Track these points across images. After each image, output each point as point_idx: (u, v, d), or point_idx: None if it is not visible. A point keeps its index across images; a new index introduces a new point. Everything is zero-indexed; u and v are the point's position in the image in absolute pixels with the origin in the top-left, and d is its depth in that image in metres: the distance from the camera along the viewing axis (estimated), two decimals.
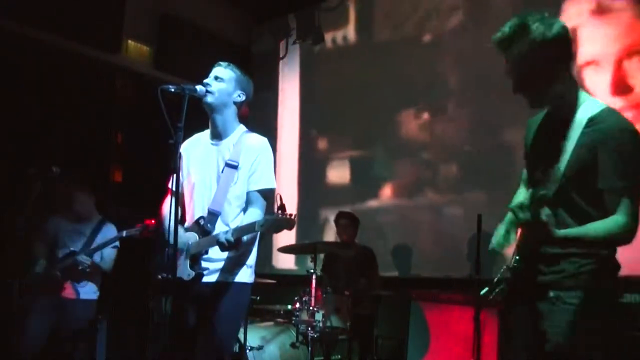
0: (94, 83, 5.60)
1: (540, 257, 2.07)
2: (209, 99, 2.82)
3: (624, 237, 1.96)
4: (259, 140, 2.90)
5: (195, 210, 2.87)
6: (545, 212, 1.91)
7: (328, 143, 6.18)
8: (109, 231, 4.42)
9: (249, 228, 2.60)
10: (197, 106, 2.86)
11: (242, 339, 4.11)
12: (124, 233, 4.20)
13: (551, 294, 2.01)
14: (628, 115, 2.25)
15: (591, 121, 1.99)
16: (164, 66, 6.06)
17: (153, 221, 3.98)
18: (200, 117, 2.92)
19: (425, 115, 5.46)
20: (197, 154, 2.96)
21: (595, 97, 2.16)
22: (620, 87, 4.27)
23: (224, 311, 2.74)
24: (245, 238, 2.69)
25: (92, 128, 5.52)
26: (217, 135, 2.93)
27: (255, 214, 2.78)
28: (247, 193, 2.82)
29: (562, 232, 1.97)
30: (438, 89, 5.46)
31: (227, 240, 2.59)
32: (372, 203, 5.64)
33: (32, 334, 4.01)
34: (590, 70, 4.38)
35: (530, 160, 2.25)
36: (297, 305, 4.34)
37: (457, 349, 4.09)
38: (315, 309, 4.22)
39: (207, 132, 2.99)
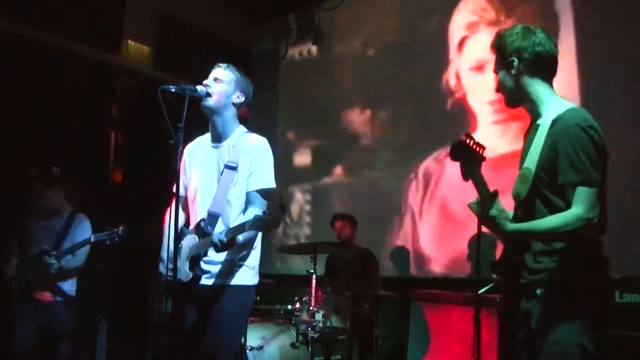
0: (94, 83, 5.60)
1: (526, 254, 2.15)
2: (209, 102, 2.81)
3: (581, 227, 1.99)
4: (258, 141, 2.89)
5: (197, 213, 2.87)
6: (497, 207, 2.04)
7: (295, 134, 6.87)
8: (82, 224, 4.24)
9: (239, 228, 2.58)
10: (198, 106, 2.85)
11: (242, 339, 4.11)
12: (92, 238, 3.97)
13: (537, 291, 2.10)
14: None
15: (554, 122, 2.12)
16: (164, 66, 6.06)
17: (122, 227, 3.85)
18: (200, 117, 2.92)
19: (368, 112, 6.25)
20: (198, 157, 2.96)
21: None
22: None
23: (227, 313, 2.73)
24: (241, 238, 2.67)
25: (92, 128, 5.52)
26: (217, 138, 2.92)
27: (253, 214, 2.76)
28: (247, 193, 2.81)
29: (513, 225, 2.09)
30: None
31: (220, 241, 2.59)
32: (326, 180, 6.48)
33: (19, 339, 3.91)
34: (477, 72, 5.37)
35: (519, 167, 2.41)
36: (297, 305, 4.34)
37: (457, 349, 4.08)
38: (315, 309, 4.22)
39: (208, 135, 2.99)
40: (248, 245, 2.84)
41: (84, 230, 4.20)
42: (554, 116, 2.13)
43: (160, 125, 2.96)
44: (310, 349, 4.23)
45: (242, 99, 2.92)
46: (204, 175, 2.90)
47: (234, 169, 2.81)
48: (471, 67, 5.42)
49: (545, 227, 2.05)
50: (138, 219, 4.32)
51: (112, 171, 5.77)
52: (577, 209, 2.00)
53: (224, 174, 2.82)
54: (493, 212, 2.04)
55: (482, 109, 5.27)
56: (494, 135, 5.07)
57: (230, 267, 2.79)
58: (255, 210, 2.77)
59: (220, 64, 2.93)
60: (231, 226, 2.72)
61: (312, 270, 4.36)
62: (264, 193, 2.82)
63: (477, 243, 3.87)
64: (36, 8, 4.99)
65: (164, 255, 2.82)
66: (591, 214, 1.99)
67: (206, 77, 2.91)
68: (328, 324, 4.27)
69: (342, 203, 6.07)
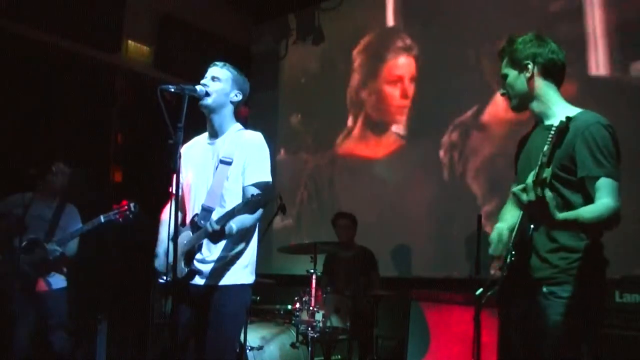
0: (94, 83, 5.59)
1: (531, 254, 2.17)
2: (207, 101, 2.81)
3: (612, 219, 2.03)
4: (253, 135, 2.88)
5: (192, 210, 2.86)
6: (548, 194, 1.96)
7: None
8: (71, 213, 4.21)
9: (229, 213, 2.58)
10: (197, 106, 2.85)
11: (242, 339, 4.11)
12: (102, 218, 3.86)
13: (544, 289, 2.12)
14: None
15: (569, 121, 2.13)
16: (164, 66, 6.06)
17: (124, 203, 3.78)
18: (199, 117, 2.92)
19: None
20: (194, 155, 2.95)
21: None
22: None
23: (225, 316, 2.72)
24: (234, 227, 2.65)
25: (92, 128, 5.52)
26: (213, 135, 2.92)
27: (248, 216, 2.74)
28: (243, 188, 2.80)
29: (562, 214, 2.02)
30: None
31: (213, 228, 2.57)
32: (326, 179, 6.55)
33: (18, 335, 3.90)
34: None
35: (517, 171, 2.41)
36: (297, 305, 4.34)
37: (457, 349, 4.08)
38: (315, 309, 4.22)
39: (205, 134, 2.99)
40: (245, 239, 2.82)
41: (73, 219, 4.18)
42: (567, 115, 2.13)
43: (160, 125, 2.96)
44: (310, 349, 4.22)
45: (239, 97, 2.92)
46: (199, 172, 2.89)
47: (229, 163, 2.79)
48: None
49: (590, 215, 2.03)
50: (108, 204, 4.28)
51: (112, 171, 5.77)
52: (606, 200, 2.03)
53: (219, 169, 2.81)
54: (549, 195, 1.95)
55: None
56: None
57: (224, 266, 2.78)
58: (249, 216, 2.75)
59: (217, 63, 2.93)
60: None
61: (312, 270, 4.35)
62: (260, 187, 2.79)
63: (477, 243, 3.90)
64: (36, 8, 4.99)
65: (159, 250, 2.84)
66: (619, 204, 2.03)
67: (204, 77, 2.91)
68: (328, 324, 4.26)
69: (342, 202, 6.07)
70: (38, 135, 5.02)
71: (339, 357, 4.69)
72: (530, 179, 1.94)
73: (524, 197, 1.94)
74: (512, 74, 2.32)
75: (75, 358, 4.19)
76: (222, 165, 2.80)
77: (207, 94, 2.80)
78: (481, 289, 2.31)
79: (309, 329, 4.20)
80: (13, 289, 3.86)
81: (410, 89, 5.87)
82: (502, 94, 2.39)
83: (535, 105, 2.31)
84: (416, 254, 5.59)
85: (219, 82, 2.86)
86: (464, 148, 5.40)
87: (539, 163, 1.91)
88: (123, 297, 5.10)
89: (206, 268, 2.77)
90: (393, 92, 5.99)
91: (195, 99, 2.79)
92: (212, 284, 2.76)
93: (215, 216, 2.68)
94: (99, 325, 4.33)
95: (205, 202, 2.79)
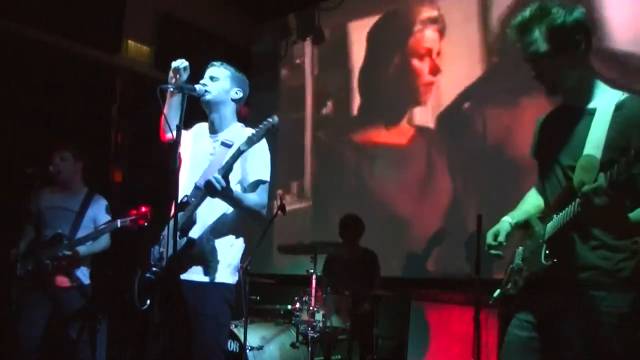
0: (94, 83, 5.59)
1: (567, 252, 1.94)
2: (208, 96, 2.79)
3: None
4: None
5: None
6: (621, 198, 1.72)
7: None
8: (99, 205, 4.10)
9: (233, 158, 2.54)
10: (197, 106, 2.85)
11: (242, 339, 4.11)
12: (119, 223, 3.73)
13: (587, 294, 1.89)
14: None
15: (619, 107, 1.91)
16: (164, 66, 6.01)
17: (146, 209, 3.67)
18: (199, 117, 2.92)
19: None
20: (192, 141, 2.92)
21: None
22: None
23: (209, 318, 2.67)
24: (235, 193, 2.60)
25: (92, 128, 5.52)
26: (214, 131, 2.90)
27: (253, 197, 2.73)
28: (246, 185, 2.76)
29: (633, 216, 1.78)
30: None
31: (216, 179, 2.47)
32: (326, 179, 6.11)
33: (27, 328, 3.81)
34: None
35: (544, 156, 2.15)
36: (297, 305, 4.34)
37: (457, 349, 4.09)
38: (315, 309, 4.22)
39: (207, 124, 2.96)
40: (232, 233, 2.76)
41: (100, 212, 4.08)
42: (615, 101, 1.93)
43: (160, 125, 2.96)
44: (310, 349, 4.22)
45: (240, 94, 2.91)
46: (196, 155, 2.86)
47: (229, 146, 2.75)
48: None
49: None
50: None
51: (112, 171, 5.77)
52: None
53: (218, 150, 2.78)
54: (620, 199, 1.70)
55: None
56: None
57: (211, 264, 2.71)
58: (256, 197, 2.74)
59: (214, 63, 2.92)
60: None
61: (312, 270, 4.35)
62: (260, 184, 2.77)
63: (477, 243, 3.90)
64: (36, 8, 4.99)
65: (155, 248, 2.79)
66: None
67: (203, 77, 2.91)
68: (328, 324, 4.26)
69: (342, 202, 6.06)
70: (38, 135, 5.01)
71: (339, 357, 4.69)
72: (602, 179, 1.68)
73: (597, 200, 1.68)
74: (555, 53, 1.94)
75: (77, 358, 4.16)
76: (222, 147, 2.77)
77: (207, 92, 2.79)
78: (498, 291, 2.17)
79: (309, 329, 4.20)
80: (22, 280, 3.80)
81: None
82: (538, 77, 2.02)
83: (573, 87, 2.01)
84: (416, 254, 5.59)
85: (218, 81, 2.86)
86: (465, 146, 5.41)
87: (623, 160, 1.65)
88: (123, 297, 5.10)
89: (189, 264, 2.71)
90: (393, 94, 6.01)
91: (196, 99, 2.79)
92: (196, 280, 2.70)
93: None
94: (99, 325, 4.31)
95: (198, 181, 2.71)
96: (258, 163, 2.79)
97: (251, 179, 2.76)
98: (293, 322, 4.37)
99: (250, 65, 6.78)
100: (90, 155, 4.32)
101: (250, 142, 2.55)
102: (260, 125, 2.57)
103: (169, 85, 2.67)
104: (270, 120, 2.57)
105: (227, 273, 2.76)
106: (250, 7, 7.01)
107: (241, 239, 2.84)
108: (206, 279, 2.71)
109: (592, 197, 1.70)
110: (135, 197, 5.34)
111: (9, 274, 3.86)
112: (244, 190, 2.77)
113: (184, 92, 2.64)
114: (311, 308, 4.22)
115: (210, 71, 2.90)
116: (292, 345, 4.36)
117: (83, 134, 5.36)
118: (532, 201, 2.28)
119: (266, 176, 2.80)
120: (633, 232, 1.87)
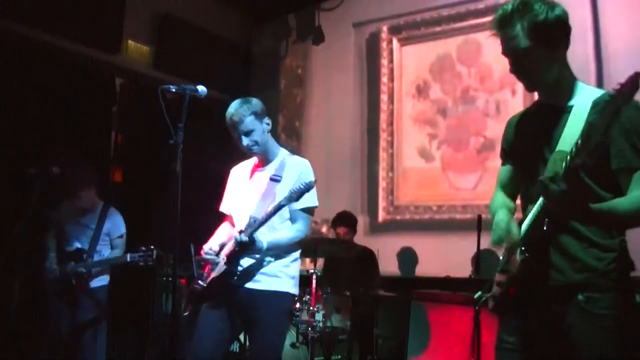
0: (94, 83, 5.59)
1: (553, 254, 1.89)
2: (256, 149, 2.94)
3: None
4: (301, 161, 3.02)
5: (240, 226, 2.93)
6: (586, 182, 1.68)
7: None
8: (115, 219, 4.29)
9: (261, 221, 2.75)
10: (197, 106, 2.85)
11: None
12: (128, 257, 4.01)
13: (580, 297, 1.84)
14: None
15: (597, 104, 1.83)
16: (164, 66, 6.05)
17: (154, 250, 3.93)
18: (199, 116, 2.92)
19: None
20: (242, 177, 3.09)
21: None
22: None
23: (269, 325, 2.83)
24: (265, 244, 2.77)
25: (92, 128, 5.52)
26: (263, 163, 3.04)
27: (295, 229, 2.90)
28: (290, 212, 2.90)
29: (596, 206, 1.74)
30: None
31: (241, 239, 2.71)
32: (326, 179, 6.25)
33: (54, 332, 4.06)
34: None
35: (524, 156, 2.09)
36: (297, 305, 4.34)
37: (457, 348, 4.09)
38: (315, 309, 4.22)
39: (254, 159, 3.11)
40: (288, 250, 2.92)
41: (116, 225, 4.27)
42: (592, 98, 1.88)
43: (160, 125, 2.96)
44: (310, 349, 4.23)
45: (269, 122, 3.00)
46: (248, 192, 3.00)
47: (278, 181, 2.90)
48: None
49: (628, 208, 1.77)
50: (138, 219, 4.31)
51: (112, 171, 5.77)
52: None
53: (268, 185, 2.92)
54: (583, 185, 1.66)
55: None
56: None
57: (271, 274, 2.88)
58: (298, 227, 2.90)
59: (233, 117, 2.90)
60: (278, 228, 2.86)
61: (312, 270, 4.36)
62: (308, 211, 2.94)
63: (477, 243, 3.90)
64: (36, 8, 4.98)
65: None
66: None
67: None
68: (328, 324, 4.27)
69: (342, 202, 6.05)
70: (38, 135, 5.02)
71: (339, 357, 4.69)
72: (559, 166, 1.66)
73: (554, 187, 1.66)
74: (534, 46, 1.89)
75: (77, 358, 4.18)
76: (271, 182, 2.91)
77: (254, 147, 2.92)
78: (480, 292, 2.18)
79: (309, 329, 4.21)
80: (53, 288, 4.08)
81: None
82: (516, 71, 1.97)
83: (553, 82, 1.97)
84: (417, 254, 5.59)
85: (253, 132, 2.92)
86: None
87: (574, 149, 1.63)
88: (123, 297, 5.09)
89: (251, 273, 2.86)
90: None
91: (197, 99, 2.80)
92: (258, 289, 2.85)
93: (260, 232, 2.78)
94: (99, 326, 4.32)
95: (253, 213, 2.85)
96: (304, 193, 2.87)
97: (296, 207, 2.88)
98: (293, 322, 4.37)
99: (250, 65, 6.78)
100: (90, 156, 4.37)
101: (290, 199, 2.73)
102: (300, 185, 2.75)
103: (170, 86, 2.67)
104: (307, 183, 2.76)
105: (290, 284, 2.95)
106: (250, 7, 7.01)
107: (299, 252, 3.02)
108: (270, 287, 2.86)
109: (548, 184, 1.67)
110: (135, 197, 5.35)
111: (38, 277, 4.12)
112: (290, 212, 2.91)
113: (186, 93, 2.64)
114: (311, 308, 4.22)
115: (239, 129, 2.90)
116: (292, 345, 4.37)
117: (83, 133, 5.37)
118: (503, 203, 2.19)
119: (310, 204, 2.91)
120: (611, 223, 1.83)
